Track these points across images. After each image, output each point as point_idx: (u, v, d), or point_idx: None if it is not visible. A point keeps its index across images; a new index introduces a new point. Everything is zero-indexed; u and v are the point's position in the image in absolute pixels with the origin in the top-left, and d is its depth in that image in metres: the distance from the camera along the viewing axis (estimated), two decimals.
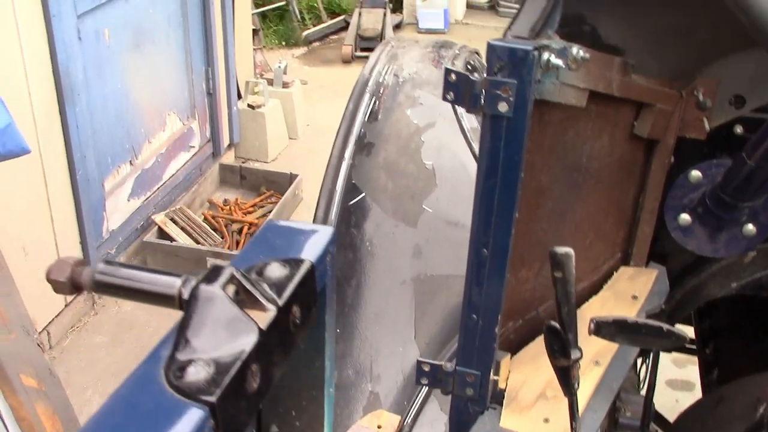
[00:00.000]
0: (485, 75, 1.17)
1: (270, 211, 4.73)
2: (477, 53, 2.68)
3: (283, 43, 8.05)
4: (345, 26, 8.21)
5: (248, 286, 0.57)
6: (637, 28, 1.35)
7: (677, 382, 3.52)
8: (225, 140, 5.21)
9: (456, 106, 2.35)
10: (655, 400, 1.77)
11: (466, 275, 1.35)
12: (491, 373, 1.29)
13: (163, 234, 4.36)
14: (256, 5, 7.67)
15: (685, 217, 1.52)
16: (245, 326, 0.55)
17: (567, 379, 1.08)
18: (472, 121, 2.27)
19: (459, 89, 1.20)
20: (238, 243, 4.46)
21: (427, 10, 8.47)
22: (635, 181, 1.58)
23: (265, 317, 0.57)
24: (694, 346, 2.07)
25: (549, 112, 1.26)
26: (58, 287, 0.58)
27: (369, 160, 2.24)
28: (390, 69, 2.47)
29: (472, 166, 2.19)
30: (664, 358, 2.42)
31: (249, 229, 4.58)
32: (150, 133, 4.37)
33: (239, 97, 5.41)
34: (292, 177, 4.98)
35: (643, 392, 1.85)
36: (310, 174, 4.89)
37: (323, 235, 0.68)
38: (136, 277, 0.59)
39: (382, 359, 1.96)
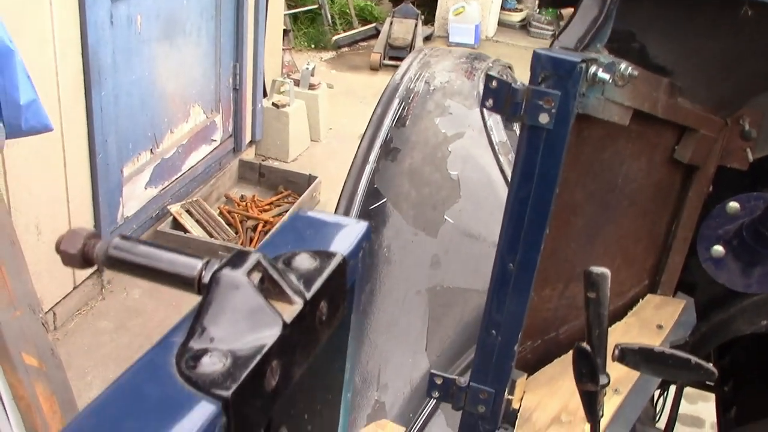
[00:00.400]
0: (528, 84, 1.14)
1: (286, 211, 4.70)
2: (510, 68, 2.64)
3: (313, 45, 8.05)
4: (375, 34, 8.21)
5: (275, 276, 0.53)
6: (688, 51, 1.31)
7: (687, 417, 3.44)
8: (247, 137, 5.19)
9: (486, 119, 2.32)
10: None
11: (488, 289, 1.30)
12: (506, 392, 1.25)
13: (177, 225, 4.34)
14: (289, 6, 7.68)
15: (718, 249, 1.47)
16: (269, 318, 0.50)
17: (593, 404, 1.03)
18: (501, 135, 2.23)
19: (499, 96, 1.17)
20: (251, 240, 4.43)
21: (459, 25, 8.45)
22: (670, 207, 1.53)
23: (290, 310, 0.52)
24: (710, 383, 2.01)
25: (589, 128, 1.22)
26: (67, 259, 0.54)
27: (393, 165, 2.20)
28: (422, 76, 2.44)
29: (499, 181, 2.14)
30: None
31: (264, 226, 4.55)
32: (173, 123, 4.35)
33: (265, 95, 5.39)
34: (311, 178, 4.95)
35: (658, 425, 1.80)
36: (330, 177, 4.86)
37: (357, 228, 0.63)
38: (154, 256, 0.55)
39: (391, 368, 1.92)
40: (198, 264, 0.54)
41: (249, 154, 5.35)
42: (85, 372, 3.46)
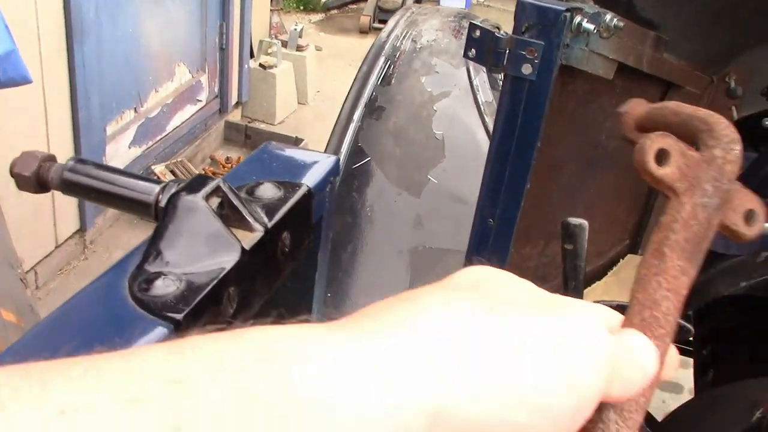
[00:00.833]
0: (512, 34, 1.12)
1: None
2: (499, 28, 2.60)
3: (301, 7, 7.94)
4: None
5: (235, 202, 0.51)
6: (676, 5, 1.29)
7: (665, 383, 3.47)
8: (233, 98, 5.13)
9: (472, 79, 2.29)
10: None
11: (468, 246, 1.29)
12: None
13: None
14: None
15: None
16: (227, 244, 0.48)
17: None
18: (487, 95, 2.21)
19: (482, 46, 1.14)
20: None
21: None
22: None
23: (250, 237, 0.50)
24: (688, 347, 2.02)
25: (573, 82, 1.20)
26: (21, 182, 0.52)
27: (378, 124, 2.18)
28: (408, 34, 2.40)
29: (484, 141, 2.12)
30: None
31: None
32: (158, 82, 4.29)
33: (251, 56, 5.32)
34: (297, 141, 4.91)
35: None
36: (316, 140, 4.82)
37: (324, 162, 0.61)
38: (110, 179, 0.52)
39: None
40: (155, 188, 0.52)
41: (235, 116, 5.29)
42: None
